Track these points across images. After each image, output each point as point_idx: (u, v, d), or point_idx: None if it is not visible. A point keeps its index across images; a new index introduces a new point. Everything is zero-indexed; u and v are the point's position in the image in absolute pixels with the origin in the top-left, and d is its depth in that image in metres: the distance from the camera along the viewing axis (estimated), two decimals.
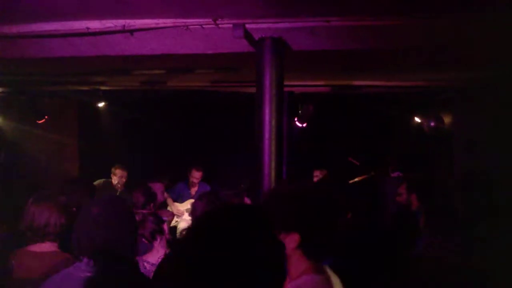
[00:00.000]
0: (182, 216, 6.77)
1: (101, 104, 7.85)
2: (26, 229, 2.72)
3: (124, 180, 6.55)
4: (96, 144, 8.15)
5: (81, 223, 2.11)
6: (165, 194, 6.66)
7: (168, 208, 6.68)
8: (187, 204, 6.67)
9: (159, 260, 3.26)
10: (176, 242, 1.11)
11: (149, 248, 3.51)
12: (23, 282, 2.57)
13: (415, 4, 2.95)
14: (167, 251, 3.38)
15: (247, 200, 4.31)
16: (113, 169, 6.60)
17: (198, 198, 3.59)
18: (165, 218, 4.02)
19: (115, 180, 6.52)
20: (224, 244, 1.12)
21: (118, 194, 6.33)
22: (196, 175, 6.99)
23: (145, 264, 3.27)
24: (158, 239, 3.43)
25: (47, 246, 2.70)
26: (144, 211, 4.40)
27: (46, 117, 7.59)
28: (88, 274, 1.97)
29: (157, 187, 6.09)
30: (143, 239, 3.53)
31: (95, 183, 6.04)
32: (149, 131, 8.35)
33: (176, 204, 6.89)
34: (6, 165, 7.43)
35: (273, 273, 1.16)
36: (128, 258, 2.11)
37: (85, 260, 2.02)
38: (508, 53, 3.90)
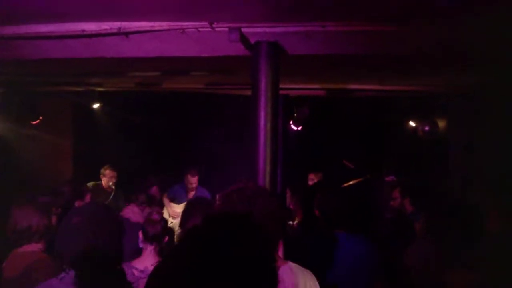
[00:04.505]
0: (177, 218, 6.72)
1: (96, 105, 7.83)
2: (11, 233, 2.82)
3: (114, 180, 6.49)
4: (90, 145, 8.12)
5: (62, 233, 2.08)
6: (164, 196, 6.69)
7: (164, 209, 6.63)
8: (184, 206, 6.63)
9: (151, 267, 3.06)
10: (171, 251, 1.11)
11: (137, 253, 3.33)
12: (5, 281, 2.66)
13: (410, 10, 2.96)
14: (159, 259, 3.18)
15: None
16: (102, 170, 6.53)
17: (190, 205, 3.48)
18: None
19: (105, 181, 6.45)
20: (218, 250, 1.14)
21: (112, 195, 6.30)
22: (191, 181, 6.76)
23: (133, 270, 3.07)
24: (154, 245, 3.28)
25: (31, 247, 2.79)
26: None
27: (40, 117, 7.55)
28: (72, 287, 1.91)
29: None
30: (140, 240, 3.34)
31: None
32: (144, 132, 8.34)
33: (173, 204, 6.82)
34: None
35: (265, 277, 1.19)
36: (114, 266, 2.06)
37: (70, 271, 1.96)
38: (504, 57, 3.91)
